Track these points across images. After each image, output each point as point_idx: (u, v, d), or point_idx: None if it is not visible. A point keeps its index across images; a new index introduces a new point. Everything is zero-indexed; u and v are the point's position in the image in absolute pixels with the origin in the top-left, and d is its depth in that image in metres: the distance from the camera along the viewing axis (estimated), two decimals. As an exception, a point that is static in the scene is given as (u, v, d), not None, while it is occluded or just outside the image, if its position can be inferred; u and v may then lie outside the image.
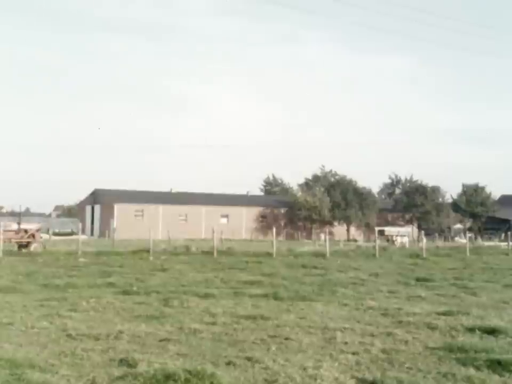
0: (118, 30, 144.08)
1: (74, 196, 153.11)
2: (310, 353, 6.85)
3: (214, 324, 8.63)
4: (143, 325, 8.42)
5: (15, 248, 28.19)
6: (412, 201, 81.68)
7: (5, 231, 26.54)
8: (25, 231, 29.58)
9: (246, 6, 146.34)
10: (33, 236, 29.62)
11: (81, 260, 22.31)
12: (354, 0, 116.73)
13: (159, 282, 14.39)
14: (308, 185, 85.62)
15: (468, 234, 39.20)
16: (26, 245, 28.75)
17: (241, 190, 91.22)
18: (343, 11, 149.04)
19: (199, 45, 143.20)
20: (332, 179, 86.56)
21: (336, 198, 78.20)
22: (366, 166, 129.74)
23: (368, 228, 75.61)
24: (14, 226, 29.61)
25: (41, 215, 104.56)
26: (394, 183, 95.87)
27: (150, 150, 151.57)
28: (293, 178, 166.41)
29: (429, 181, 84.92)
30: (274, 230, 30.38)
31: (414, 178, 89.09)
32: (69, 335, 7.66)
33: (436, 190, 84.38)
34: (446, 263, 23.71)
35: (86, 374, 5.79)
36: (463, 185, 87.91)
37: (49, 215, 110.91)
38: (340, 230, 75.19)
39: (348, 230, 78.68)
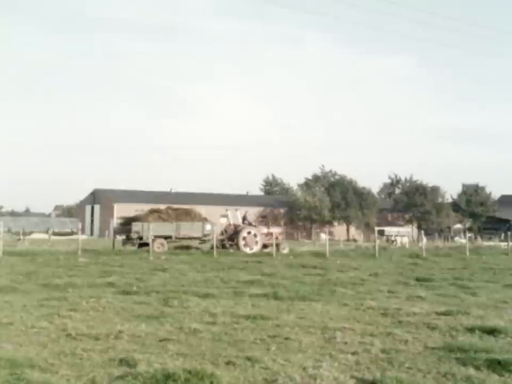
0: (119, 31, 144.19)
1: (74, 195, 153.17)
2: (310, 353, 6.85)
3: (214, 323, 8.61)
4: (143, 325, 8.41)
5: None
6: (411, 201, 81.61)
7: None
8: (271, 234, 31.67)
9: (246, 6, 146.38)
10: (277, 238, 31.56)
11: (81, 259, 22.29)
12: (354, 0, 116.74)
13: (159, 282, 14.37)
14: (307, 185, 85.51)
15: (468, 234, 39.16)
16: (268, 246, 30.97)
17: (241, 190, 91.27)
18: (342, 11, 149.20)
19: (199, 45, 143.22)
20: (332, 179, 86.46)
21: (336, 198, 78.16)
22: (366, 166, 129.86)
23: (368, 227, 75.54)
24: (264, 230, 32.45)
25: (41, 215, 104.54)
26: (394, 183, 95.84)
27: (150, 150, 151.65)
28: (293, 178, 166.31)
29: (429, 181, 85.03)
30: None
31: (414, 178, 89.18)
32: (69, 335, 7.65)
33: (435, 190, 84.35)
34: (446, 263, 23.70)
35: (86, 374, 5.79)
36: (463, 185, 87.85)
37: (49, 215, 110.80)
38: (339, 230, 75.17)
39: (347, 230, 78.65)
